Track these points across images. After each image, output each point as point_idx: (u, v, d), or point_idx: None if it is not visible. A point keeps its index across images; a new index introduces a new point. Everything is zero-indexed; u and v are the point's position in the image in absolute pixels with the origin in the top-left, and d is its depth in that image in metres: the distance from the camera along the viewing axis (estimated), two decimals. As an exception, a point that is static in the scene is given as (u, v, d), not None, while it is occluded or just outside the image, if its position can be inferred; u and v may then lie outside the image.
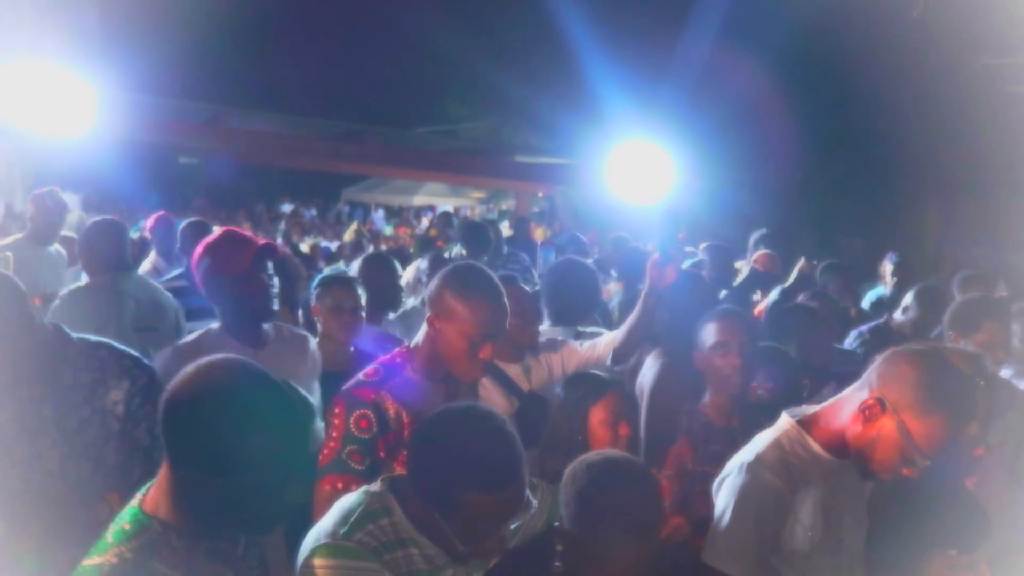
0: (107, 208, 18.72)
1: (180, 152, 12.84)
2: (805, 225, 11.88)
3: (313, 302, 3.84)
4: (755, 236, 7.40)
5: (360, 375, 2.56)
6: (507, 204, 23.91)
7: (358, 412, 2.44)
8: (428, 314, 2.52)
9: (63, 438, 2.43)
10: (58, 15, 14.39)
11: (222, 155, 13.11)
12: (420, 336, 2.58)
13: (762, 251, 6.61)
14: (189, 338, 2.98)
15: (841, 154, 13.30)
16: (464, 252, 6.32)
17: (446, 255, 6.53)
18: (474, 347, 2.46)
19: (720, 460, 2.43)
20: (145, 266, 6.79)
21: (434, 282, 2.54)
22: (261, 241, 3.07)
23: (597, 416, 2.84)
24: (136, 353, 2.66)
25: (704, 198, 11.41)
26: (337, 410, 2.47)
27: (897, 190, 13.24)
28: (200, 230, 6.51)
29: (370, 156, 10.45)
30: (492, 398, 3.08)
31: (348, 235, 9.21)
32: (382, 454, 2.41)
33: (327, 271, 4.53)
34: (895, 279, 7.55)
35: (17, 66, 7.02)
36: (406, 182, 22.74)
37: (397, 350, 2.63)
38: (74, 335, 2.57)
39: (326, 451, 2.42)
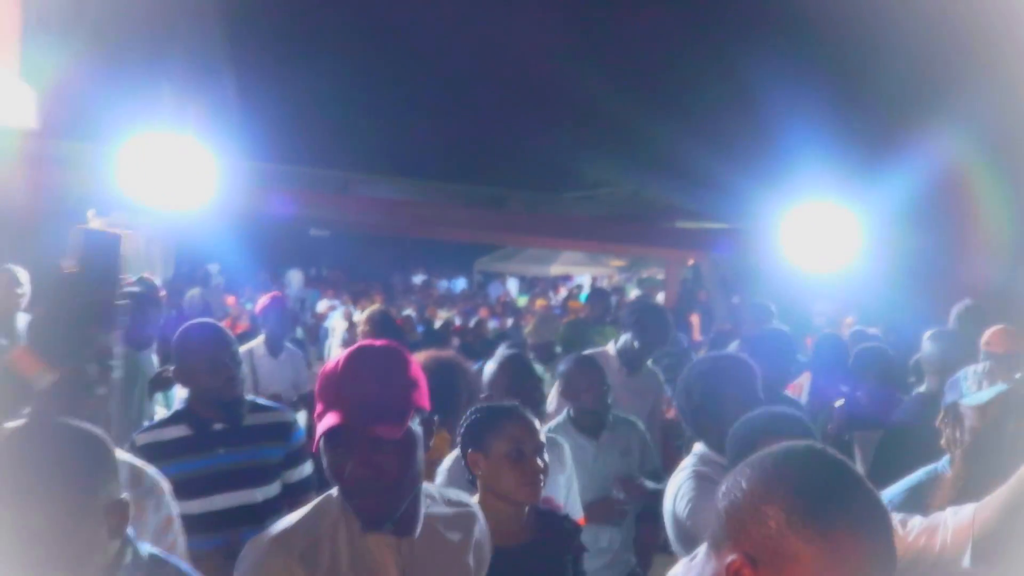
0: (234, 286, 18.75)
1: (311, 224, 12.38)
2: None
3: (467, 445, 2.67)
4: (958, 309, 5.94)
5: None
6: (647, 272, 22.79)
7: None
8: (729, 559, 1.34)
9: None
10: (197, 90, 14.39)
11: (354, 226, 12.53)
12: None
13: (997, 328, 5.09)
14: (295, 519, 1.92)
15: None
16: (636, 343, 5.13)
17: (614, 344, 5.35)
18: None
19: None
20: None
21: (740, 489, 1.36)
22: (364, 409, 1.82)
23: None
24: None
25: (893, 265, 10.09)
26: None
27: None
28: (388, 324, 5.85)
29: (513, 224, 9.60)
30: None
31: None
32: None
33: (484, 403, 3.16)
34: None
35: (155, 142, 6.75)
36: (542, 250, 21.88)
37: None
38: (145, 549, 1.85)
39: None
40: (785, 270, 10.12)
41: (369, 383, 1.84)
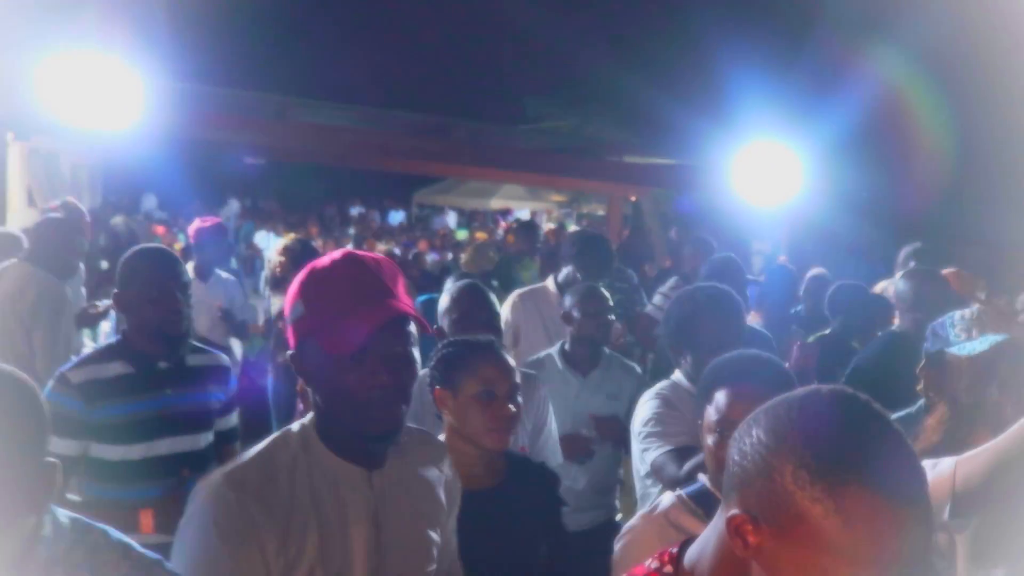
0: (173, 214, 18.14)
1: (246, 152, 11.95)
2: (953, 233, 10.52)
3: (435, 381, 2.50)
4: (907, 251, 5.92)
5: None
6: (587, 207, 22.66)
7: None
8: (730, 513, 1.18)
9: None
10: (122, 7, 13.68)
11: (291, 154, 12.13)
12: (706, 548, 1.27)
13: (949, 271, 5.05)
14: (249, 455, 1.76)
15: (986, 153, 11.88)
16: (580, 275, 4.98)
17: (554, 279, 5.18)
18: None
19: None
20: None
21: (750, 437, 1.19)
22: (398, 301, 1.74)
23: None
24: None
25: (831, 201, 10.12)
26: None
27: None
28: (307, 256, 5.43)
29: (458, 154, 9.34)
30: None
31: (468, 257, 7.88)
32: None
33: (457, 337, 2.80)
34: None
35: (78, 61, 6.37)
36: (482, 184, 21.54)
37: (656, 557, 1.33)
38: (64, 516, 1.54)
39: None
40: (727, 207, 10.10)
41: (392, 279, 1.76)
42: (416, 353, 1.76)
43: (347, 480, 1.75)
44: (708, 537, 1.27)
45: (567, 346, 3.90)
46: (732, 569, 1.19)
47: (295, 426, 1.80)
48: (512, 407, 2.42)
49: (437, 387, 2.47)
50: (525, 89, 16.73)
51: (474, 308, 3.33)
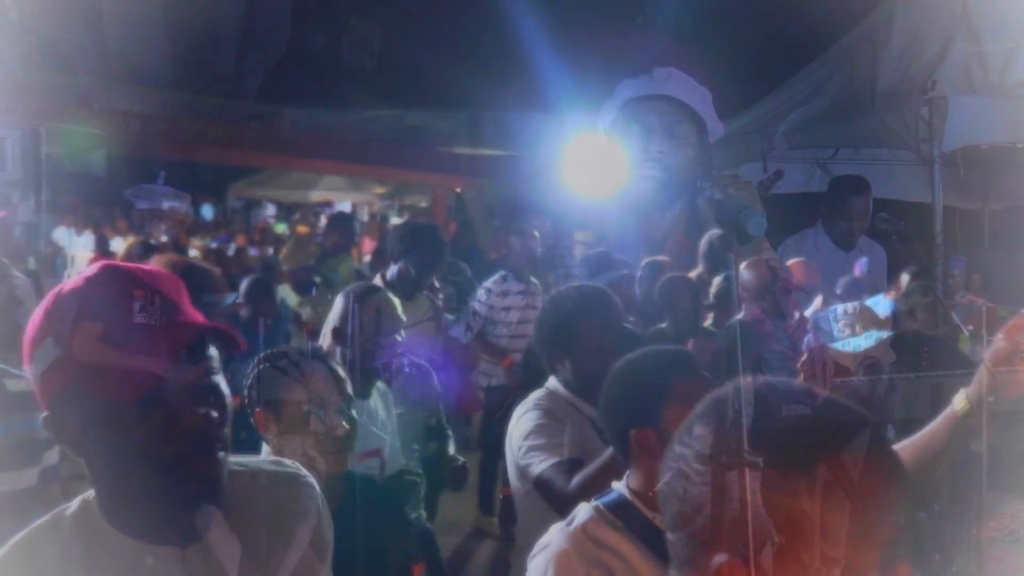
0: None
1: (44, 141, 11.09)
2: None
3: (254, 402, 2.20)
4: (707, 238, 5.96)
5: None
6: (411, 200, 22.41)
7: None
8: (715, 563, 1.02)
9: None
10: None
11: (95, 142, 11.34)
12: None
13: (795, 261, 5.05)
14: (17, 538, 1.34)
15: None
16: (413, 270, 4.80)
17: (383, 277, 4.96)
18: None
19: None
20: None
21: (695, 479, 1.05)
22: (189, 317, 1.36)
23: None
24: None
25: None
26: None
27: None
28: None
29: (279, 143, 8.97)
30: None
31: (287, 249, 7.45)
32: None
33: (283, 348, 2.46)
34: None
35: None
36: (302, 175, 20.88)
37: None
38: None
39: None
40: (552, 198, 10.18)
41: (176, 291, 1.36)
42: (222, 382, 1.38)
43: (150, 567, 1.34)
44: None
45: None
46: None
47: (73, 505, 1.39)
48: (345, 423, 2.18)
49: (258, 410, 2.20)
50: (347, 77, 16.37)
51: (384, 311, 3.10)
